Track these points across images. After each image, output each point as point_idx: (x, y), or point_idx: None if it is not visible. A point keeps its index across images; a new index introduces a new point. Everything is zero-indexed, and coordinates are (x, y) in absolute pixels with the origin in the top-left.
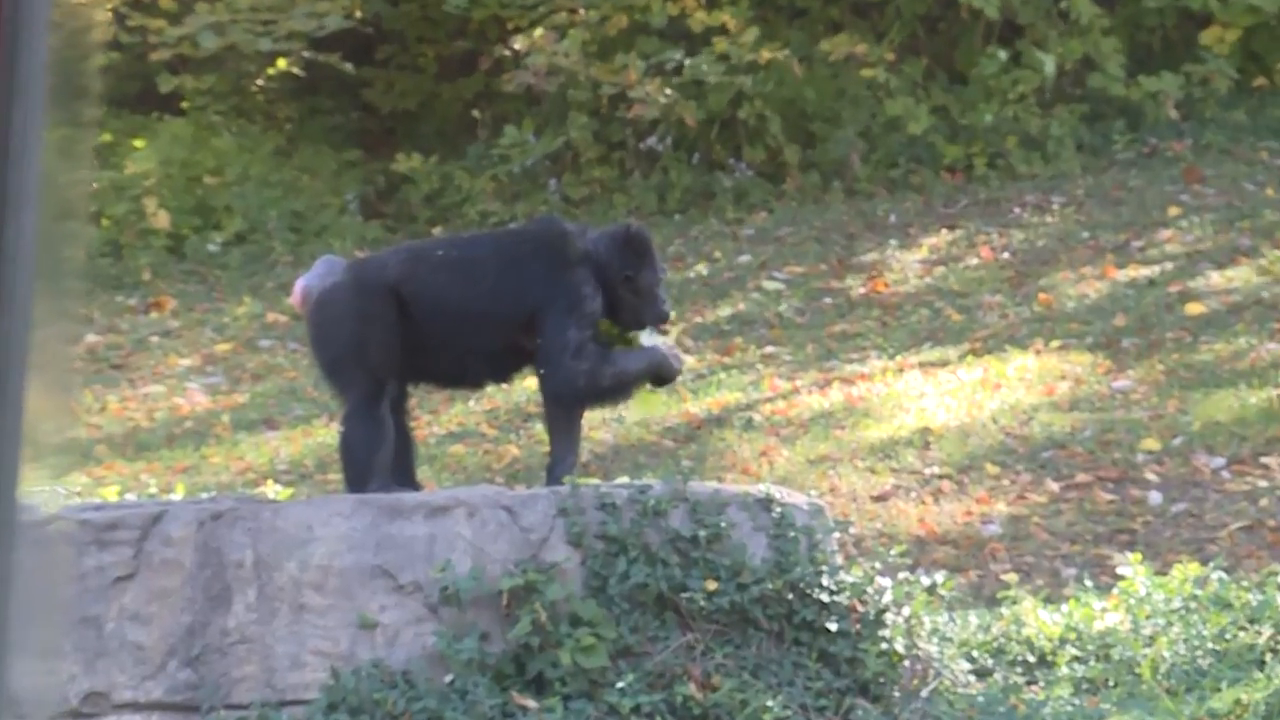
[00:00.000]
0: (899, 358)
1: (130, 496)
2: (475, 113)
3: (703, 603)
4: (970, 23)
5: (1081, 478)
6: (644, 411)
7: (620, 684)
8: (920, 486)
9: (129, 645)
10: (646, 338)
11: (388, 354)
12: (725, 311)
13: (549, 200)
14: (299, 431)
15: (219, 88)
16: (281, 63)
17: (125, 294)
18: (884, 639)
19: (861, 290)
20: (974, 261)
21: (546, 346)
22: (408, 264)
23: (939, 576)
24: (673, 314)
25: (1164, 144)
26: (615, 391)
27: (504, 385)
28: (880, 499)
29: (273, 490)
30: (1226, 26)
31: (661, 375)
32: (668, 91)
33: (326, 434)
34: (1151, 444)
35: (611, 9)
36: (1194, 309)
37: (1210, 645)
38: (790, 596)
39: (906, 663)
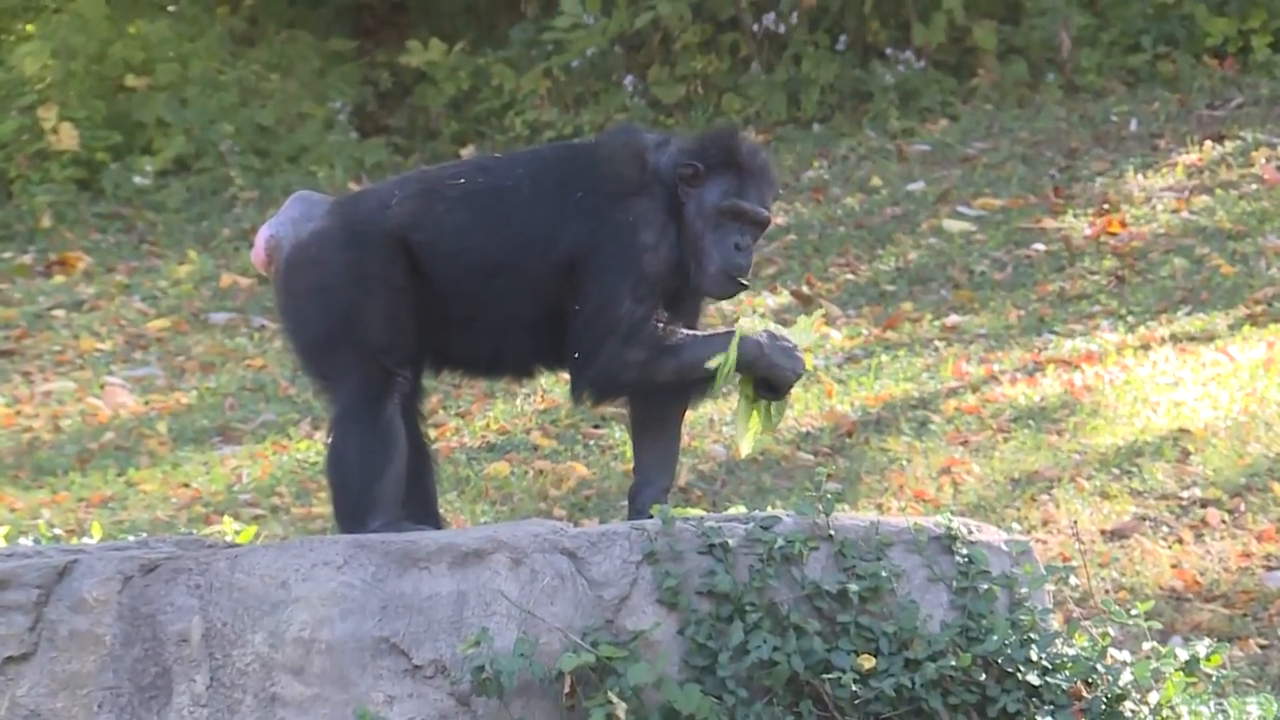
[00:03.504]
0: (1143, 329)
1: (25, 541)
2: None
3: (855, 688)
4: None
5: None
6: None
7: None
8: (1175, 517)
9: None
10: (803, 332)
11: (393, 331)
12: (888, 265)
13: (629, 105)
14: (268, 445)
15: None
16: None
17: (16, 248)
18: None
19: (1088, 231)
20: (1252, 187)
21: (585, 319)
22: (418, 200)
23: (1202, 648)
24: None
25: None
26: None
27: (562, 374)
28: (1116, 535)
29: (231, 530)
30: None
31: (760, 374)
32: None
33: (308, 448)
34: None
35: None
36: None
37: None
38: (984, 678)
39: None
